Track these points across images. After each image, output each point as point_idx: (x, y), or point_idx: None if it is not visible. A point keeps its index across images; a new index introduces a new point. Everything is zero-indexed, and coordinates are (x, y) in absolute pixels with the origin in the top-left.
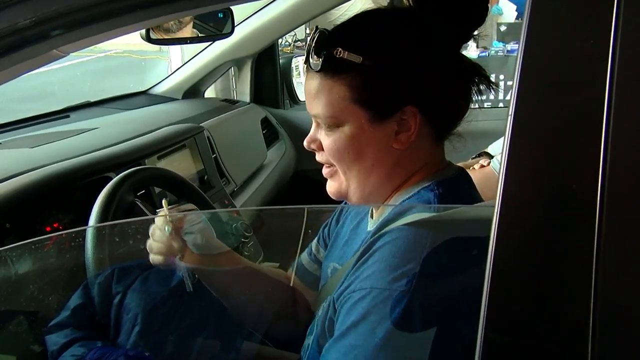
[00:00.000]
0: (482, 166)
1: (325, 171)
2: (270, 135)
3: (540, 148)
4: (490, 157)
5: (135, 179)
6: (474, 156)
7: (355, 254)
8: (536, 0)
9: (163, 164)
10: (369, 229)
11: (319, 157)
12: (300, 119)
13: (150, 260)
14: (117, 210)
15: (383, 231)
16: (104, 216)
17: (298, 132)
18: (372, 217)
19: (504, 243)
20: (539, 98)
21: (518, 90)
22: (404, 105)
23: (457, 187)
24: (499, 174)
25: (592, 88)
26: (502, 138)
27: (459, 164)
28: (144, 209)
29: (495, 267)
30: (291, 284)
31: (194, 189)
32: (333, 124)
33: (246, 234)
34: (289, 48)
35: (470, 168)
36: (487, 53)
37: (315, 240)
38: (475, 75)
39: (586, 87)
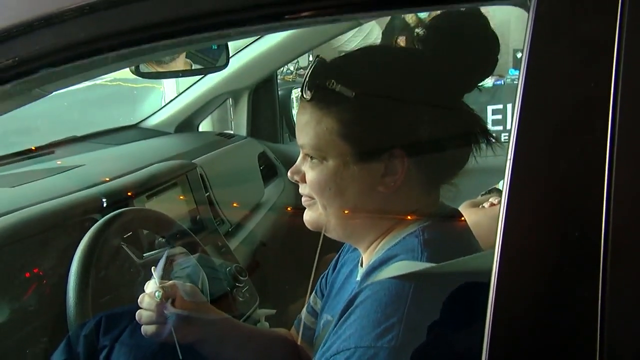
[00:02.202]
0: (492, 204)
1: (304, 199)
2: (268, 172)
3: (541, 193)
4: (502, 194)
5: (122, 222)
6: (483, 193)
7: (341, 308)
8: (535, 41)
9: (152, 203)
10: (357, 278)
11: (301, 189)
12: (299, 153)
13: (142, 332)
14: (102, 254)
15: (364, 285)
16: (87, 261)
17: None
18: (361, 265)
19: (505, 291)
20: (539, 142)
21: (517, 134)
22: (392, 147)
23: (445, 231)
24: (498, 219)
25: (594, 131)
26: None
27: (468, 202)
28: (130, 253)
29: (496, 317)
30: (298, 342)
31: (184, 231)
32: (318, 156)
33: (241, 277)
34: (291, 76)
35: (480, 206)
36: (502, 81)
37: (313, 294)
38: (475, 128)
39: (588, 130)
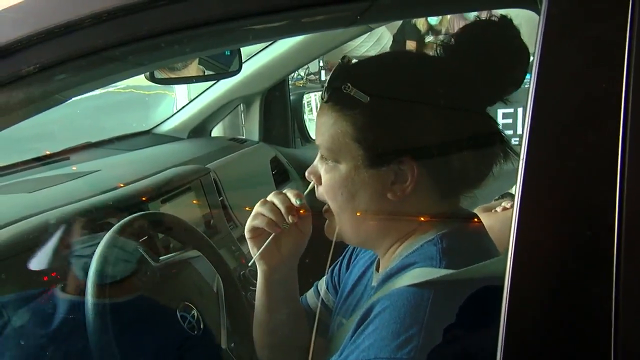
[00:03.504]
0: (505, 209)
1: (324, 209)
2: (280, 176)
3: (553, 195)
4: (514, 198)
5: (137, 226)
6: (497, 197)
7: (356, 314)
8: (546, 41)
9: (167, 208)
10: (373, 283)
11: (318, 192)
12: (312, 158)
13: (251, 225)
14: (118, 258)
15: (382, 294)
16: (104, 265)
17: None
18: (377, 269)
19: (518, 293)
20: (551, 141)
21: (529, 135)
22: (402, 155)
23: (463, 238)
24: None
25: (606, 131)
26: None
27: (481, 207)
28: (146, 256)
29: (509, 321)
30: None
31: (198, 234)
32: (332, 158)
33: (254, 280)
34: (302, 82)
35: (492, 211)
36: None
37: (323, 281)
38: (496, 142)
39: (599, 130)
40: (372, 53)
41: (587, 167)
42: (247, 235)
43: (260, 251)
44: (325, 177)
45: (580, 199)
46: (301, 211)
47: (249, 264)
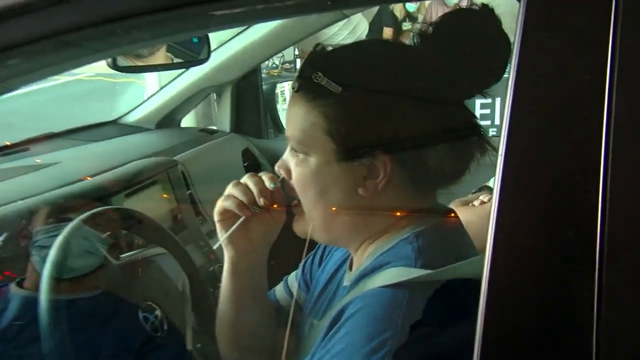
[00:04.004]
0: (483, 203)
1: (293, 204)
2: (252, 168)
3: (533, 192)
4: (492, 191)
5: (98, 221)
6: (474, 191)
7: (327, 315)
8: (526, 30)
9: (131, 202)
10: (345, 283)
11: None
12: (284, 149)
13: (222, 207)
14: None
15: (355, 295)
16: (60, 264)
17: None
18: (350, 268)
19: (496, 295)
20: (532, 136)
21: (509, 130)
22: (375, 149)
23: (440, 236)
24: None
25: (589, 125)
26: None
27: (458, 200)
28: (106, 253)
29: (487, 324)
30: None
31: (163, 231)
32: (302, 151)
33: None
34: (277, 70)
35: (470, 204)
36: None
37: (293, 276)
38: (474, 136)
39: (582, 124)
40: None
41: (569, 163)
42: (216, 217)
43: (227, 234)
44: (295, 171)
45: (562, 196)
46: (275, 196)
47: (214, 247)
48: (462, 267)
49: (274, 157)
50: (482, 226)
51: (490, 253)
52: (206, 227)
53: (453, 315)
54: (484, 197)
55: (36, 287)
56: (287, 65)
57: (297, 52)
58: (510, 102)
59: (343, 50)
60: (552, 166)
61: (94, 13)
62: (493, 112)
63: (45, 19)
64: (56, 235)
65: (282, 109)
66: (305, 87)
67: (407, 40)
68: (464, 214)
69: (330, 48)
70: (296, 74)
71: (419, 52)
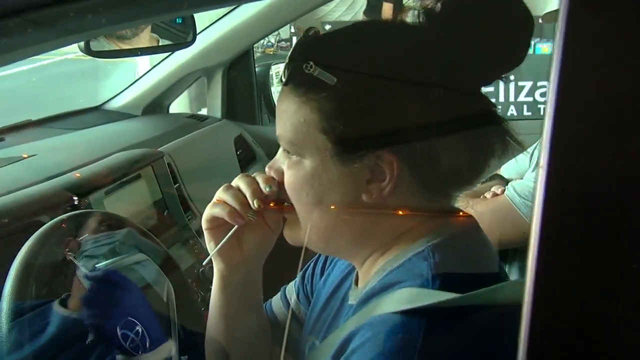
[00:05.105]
0: (495, 194)
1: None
2: (246, 157)
3: (583, 214)
4: (505, 181)
5: (71, 227)
6: (484, 180)
7: (331, 337)
8: (572, 15)
9: (112, 199)
10: (350, 301)
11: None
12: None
13: (210, 214)
14: (45, 268)
15: (363, 320)
16: (25, 277)
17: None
18: (356, 283)
19: (539, 332)
20: (580, 146)
21: (552, 136)
22: (380, 149)
23: (460, 250)
24: (516, 206)
25: None
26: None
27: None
28: (79, 265)
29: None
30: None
31: (144, 234)
32: (294, 152)
33: None
34: (272, 49)
35: (481, 197)
36: None
37: (292, 287)
38: (494, 129)
39: None
40: (346, 19)
41: (626, 179)
42: (204, 226)
43: (218, 246)
44: (288, 173)
45: (619, 221)
46: (270, 201)
47: (204, 263)
48: (492, 293)
49: (269, 145)
50: (495, 222)
51: (532, 287)
52: (196, 223)
53: (479, 350)
54: (496, 189)
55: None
56: (283, 44)
57: (293, 30)
58: (553, 102)
59: (337, 34)
60: (605, 179)
61: None
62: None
63: None
64: (108, 245)
65: (277, 92)
66: (295, 78)
67: (411, 18)
68: (475, 207)
69: (324, 31)
70: (283, 64)
71: (425, 33)
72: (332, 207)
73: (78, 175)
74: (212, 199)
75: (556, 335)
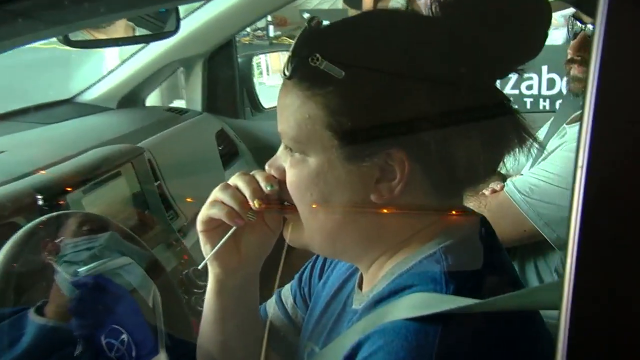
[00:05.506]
0: (494, 191)
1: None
2: (228, 152)
3: (623, 213)
4: (502, 177)
5: (49, 230)
6: None
7: (334, 345)
8: (611, 19)
9: (90, 199)
10: (355, 305)
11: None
12: (264, 130)
13: (207, 215)
14: (23, 273)
15: (372, 327)
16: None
17: (262, 147)
18: (360, 287)
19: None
20: (619, 148)
21: (592, 133)
22: (390, 147)
23: (474, 252)
24: (516, 202)
25: None
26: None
27: None
28: (60, 269)
29: None
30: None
31: (130, 236)
32: (298, 149)
33: (199, 283)
34: (248, 38)
35: (480, 193)
36: None
37: (288, 289)
38: (509, 124)
39: None
40: (324, 7)
41: None
42: (199, 227)
43: (215, 249)
44: (290, 172)
45: None
46: (271, 201)
47: (200, 267)
48: (513, 299)
49: (252, 139)
50: (494, 219)
51: (569, 304)
52: (178, 223)
53: (497, 359)
54: (494, 185)
55: (61, 315)
56: (258, 33)
57: (269, 18)
58: (593, 102)
59: (345, 25)
60: None
61: None
62: (540, 90)
63: None
64: (89, 249)
65: (259, 82)
66: (300, 72)
67: (421, 9)
68: (473, 204)
69: (303, 19)
70: (289, 55)
71: (440, 24)
72: (338, 207)
73: (53, 173)
74: (194, 197)
75: (597, 337)
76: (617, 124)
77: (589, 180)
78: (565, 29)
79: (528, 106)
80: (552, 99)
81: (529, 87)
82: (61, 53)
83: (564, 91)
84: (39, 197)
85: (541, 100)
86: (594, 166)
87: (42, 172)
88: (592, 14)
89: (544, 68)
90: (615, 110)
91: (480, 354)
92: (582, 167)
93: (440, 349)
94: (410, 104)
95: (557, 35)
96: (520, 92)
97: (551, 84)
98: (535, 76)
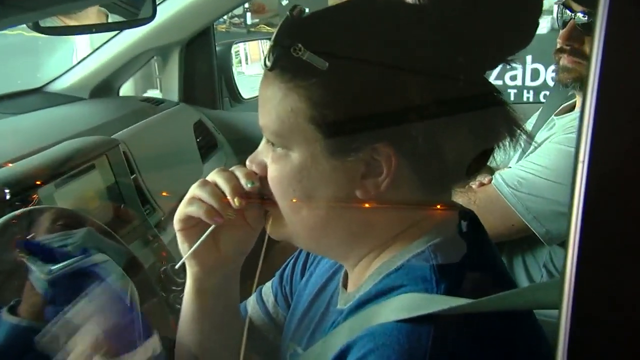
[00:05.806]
0: (482, 184)
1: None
2: (207, 144)
3: (624, 211)
4: (490, 170)
5: (20, 226)
6: None
7: (318, 346)
8: (611, 18)
9: (63, 194)
10: (339, 305)
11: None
12: (244, 121)
13: (184, 213)
14: None
15: (360, 330)
16: None
17: (242, 139)
18: (344, 286)
19: (580, 341)
20: (620, 144)
21: (594, 127)
22: (376, 141)
23: (464, 250)
24: (504, 196)
25: None
26: None
27: None
28: (32, 267)
29: None
30: None
31: (106, 231)
32: (280, 144)
33: (178, 280)
34: (225, 26)
35: (466, 187)
36: None
37: (269, 287)
38: (499, 116)
39: None
40: None
41: None
42: (177, 226)
43: (193, 248)
44: (272, 167)
45: None
46: (252, 198)
47: (177, 265)
48: (508, 298)
49: (231, 131)
50: (482, 213)
51: (569, 303)
52: (155, 217)
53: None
54: (482, 178)
55: (34, 314)
56: (236, 20)
57: (246, 5)
58: (594, 96)
59: (329, 14)
60: None
61: None
62: (523, 82)
63: None
64: (64, 246)
65: (238, 72)
66: (282, 63)
67: None
68: (461, 198)
69: (282, 7)
70: (269, 45)
71: (428, 13)
72: (322, 204)
73: (22, 166)
74: (171, 190)
75: (599, 337)
76: (619, 118)
77: (590, 175)
78: (550, 17)
79: (512, 97)
80: (537, 90)
81: (513, 78)
82: (28, 39)
83: (549, 82)
84: (8, 191)
85: (525, 91)
86: (596, 160)
87: (10, 165)
88: (581, 1)
89: (528, 58)
90: (617, 103)
91: (474, 354)
92: (583, 161)
93: (434, 351)
94: (397, 96)
95: (541, 23)
96: (504, 82)
97: (535, 74)
98: (519, 66)
